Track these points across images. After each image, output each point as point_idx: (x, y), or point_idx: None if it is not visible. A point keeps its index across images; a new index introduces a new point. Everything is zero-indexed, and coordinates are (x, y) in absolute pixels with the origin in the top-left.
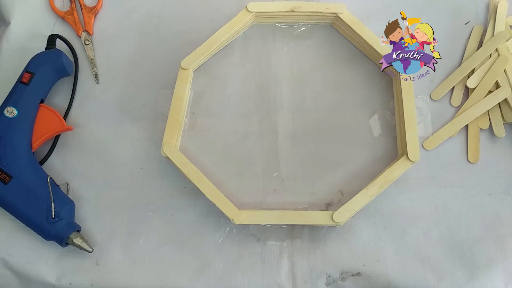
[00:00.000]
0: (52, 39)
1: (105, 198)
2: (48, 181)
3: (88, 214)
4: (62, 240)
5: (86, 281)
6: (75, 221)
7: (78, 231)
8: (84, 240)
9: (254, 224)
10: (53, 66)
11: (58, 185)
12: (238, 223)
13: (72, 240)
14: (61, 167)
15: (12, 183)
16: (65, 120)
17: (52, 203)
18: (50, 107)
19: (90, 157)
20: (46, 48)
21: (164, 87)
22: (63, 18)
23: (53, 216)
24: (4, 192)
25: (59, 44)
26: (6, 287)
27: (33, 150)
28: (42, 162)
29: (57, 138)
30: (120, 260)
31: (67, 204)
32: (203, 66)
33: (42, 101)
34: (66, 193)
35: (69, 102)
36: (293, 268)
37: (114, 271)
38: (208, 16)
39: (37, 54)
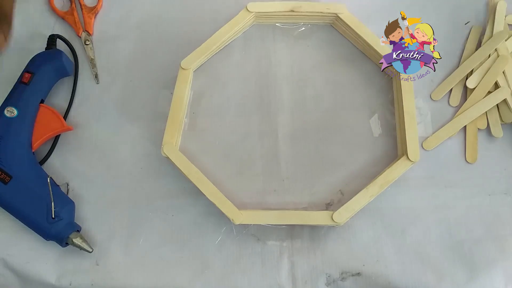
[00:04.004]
0: (52, 39)
1: (105, 198)
2: (48, 181)
3: (88, 214)
4: (62, 240)
5: (86, 281)
6: (75, 221)
7: (78, 231)
8: (84, 240)
9: (254, 224)
10: (53, 66)
11: (58, 185)
12: (238, 223)
13: (72, 240)
14: (61, 167)
15: (12, 183)
16: (65, 120)
17: (52, 203)
18: (50, 107)
19: (90, 157)
20: (46, 48)
21: (164, 87)
22: (63, 18)
23: (53, 216)
24: (4, 192)
25: (59, 44)
26: (6, 287)
27: (33, 150)
28: (42, 162)
29: (57, 138)
30: (120, 260)
31: (67, 204)
32: (203, 66)
33: (42, 101)
34: (66, 193)
35: (69, 102)
36: (293, 268)
37: (114, 271)
38: (208, 16)
39: (37, 54)
